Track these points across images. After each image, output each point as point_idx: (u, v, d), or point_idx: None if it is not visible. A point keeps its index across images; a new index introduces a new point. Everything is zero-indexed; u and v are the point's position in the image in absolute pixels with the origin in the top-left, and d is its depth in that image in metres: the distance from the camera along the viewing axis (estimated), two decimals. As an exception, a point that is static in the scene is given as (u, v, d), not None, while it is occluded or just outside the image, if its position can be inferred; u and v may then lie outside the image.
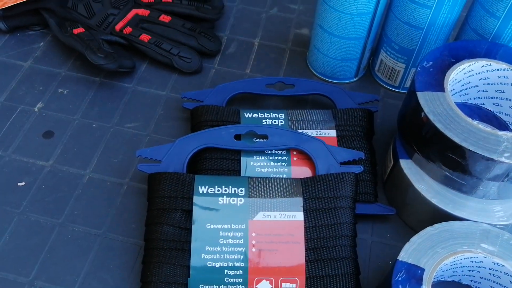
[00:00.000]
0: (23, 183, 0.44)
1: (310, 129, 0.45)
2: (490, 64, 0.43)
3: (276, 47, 0.55)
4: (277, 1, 0.59)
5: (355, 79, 0.53)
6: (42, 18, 0.52)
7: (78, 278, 0.39)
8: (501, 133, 0.38)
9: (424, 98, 0.39)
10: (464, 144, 0.37)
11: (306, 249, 0.39)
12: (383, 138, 0.49)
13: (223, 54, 0.54)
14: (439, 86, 0.40)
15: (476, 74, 0.43)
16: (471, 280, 0.41)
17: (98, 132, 0.47)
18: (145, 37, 0.50)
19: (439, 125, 0.38)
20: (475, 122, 0.38)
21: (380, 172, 0.46)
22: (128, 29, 0.51)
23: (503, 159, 0.36)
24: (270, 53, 0.54)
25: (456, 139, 0.37)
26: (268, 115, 0.45)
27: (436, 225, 0.39)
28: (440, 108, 0.39)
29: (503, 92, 0.44)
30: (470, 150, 0.37)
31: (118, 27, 0.51)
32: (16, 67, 0.51)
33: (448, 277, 0.41)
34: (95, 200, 0.43)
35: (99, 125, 0.48)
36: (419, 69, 0.41)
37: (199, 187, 0.40)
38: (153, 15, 0.52)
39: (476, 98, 0.46)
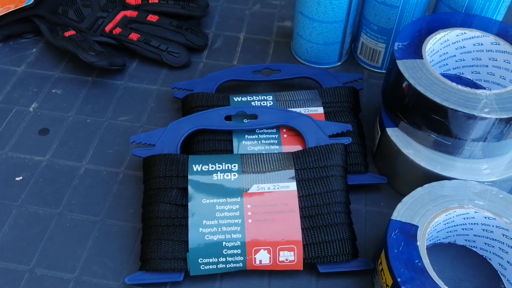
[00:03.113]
0: (21, 178, 0.45)
1: (298, 107, 0.46)
2: (465, 33, 0.44)
3: (261, 39, 0.57)
4: (259, -2, 0.62)
5: (339, 63, 0.54)
6: (34, 26, 0.54)
7: (78, 263, 0.40)
8: (480, 91, 0.39)
9: (404, 65, 0.41)
10: (445, 104, 0.38)
11: (301, 217, 0.39)
12: (369, 116, 0.50)
13: (210, 48, 0.56)
14: (417, 54, 0.42)
15: (452, 43, 0.45)
16: (466, 240, 0.41)
17: (92, 127, 0.49)
18: (134, 36, 0.52)
19: (420, 88, 0.39)
20: (454, 84, 0.40)
21: (369, 146, 0.48)
22: (118, 30, 0.53)
23: (483, 114, 0.38)
24: (255, 45, 0.56)
25: (438, 99, 0.39)
26: (256, 98, 0.47)
27: (426, 186, 0.40)
28: (419, 73, 0.40)
29: (480, 59, 0.46)
30: (452, 109, 0.38)
31: (107, 28, 0.53)
32: (10, 72, 0.53)
33: (443, 238, 0.42)
34: (92, 189, 0.44)
35: (93, 120, 0.49)
36: (398, 40, 0.43)
37: (193, 165, 0.41)
38: (141, 15, 0.54)
39: (455, 68, 0.48)
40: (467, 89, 0.39)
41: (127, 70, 0.53)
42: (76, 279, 0.39)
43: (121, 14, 0.54)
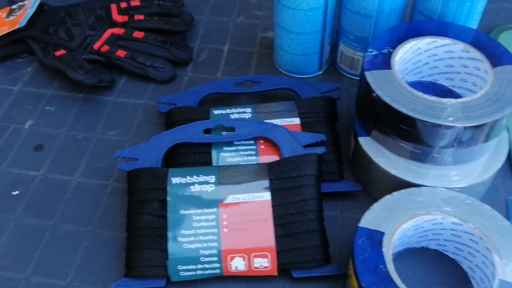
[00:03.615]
0: (17, 192, 0.48)
1: (275, 119, 0.48)
2: (436, 41, 0.46)
3: (245, 51, 0.59)
4: (243, 10, 0.64)
5: (320, 73, 0.56)
6: (28, 46, 0.57)
7: (70, 271, 0.43)
8: (445, 100, 0.41)
9: (372, 76, 0.42)
10: (411, 114, 0.40)
11: (274, 226, 0.41)
12: (349, 123, 0.51)
13: (195, 62, 0.58)
14: (386, 64, 0.43)
15: (424, 51, 0.46)
16: (437, 244, 0.43)
17: (83, 142, 0.51)
18: (121, 53, 0.55)
19: (386, 99, 0.41)
20: (421, 94, 0.41)
21: (346, 154, 0.49)
22: (105, 47, 0.55)
23: (448, 123, 0.39)
24: (239, 57, 0.58)
25: (404, 110, 0.40)
26: (235, 110, 0.49)
27: (395, 193, 0.41)
28: (387, 84, 0.42)
29: (452, 66, 0.47)
30: (418, 119, 0.40)
31: (96, 46, 0.55)
32: (7, 91, 0.56)
33: (416, 243, 0.43)
34: (83, 201, 0.47)
35: (84, 135, 0.52)
36: (367, 51, 0.44)
37: (172, 178, 0.43)
38: (128, 32, 0.57)
39: (430, 75, 0.49)
40: (434, 98, 0.41)
41: (116, 86, 0.56)
42: (68, 285, 0.42)
43: (109, 32, 0.56)
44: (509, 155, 0.48)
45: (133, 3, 0.59)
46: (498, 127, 0.40)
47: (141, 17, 0.58)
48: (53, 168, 0.50)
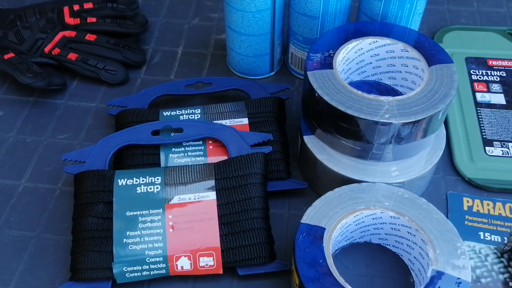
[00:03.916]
0: (-39, 198, 0.47)
1: (224, 119, 0.49)
2: (376, 41, 0.47)
3: (199, 53, 0.59)
4: (198, 12, 0.64)
5: (272, 74, 0.57)
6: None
7: (14, 277, 0.42)
8: (382, 98, 0.42)
9: (314, 76, 0.43)
10: (349, 111, 0.41)
11: (220, 225, 0.42)
12: (298, 123, 0.52)
13: (149, 64, 0.58)
14: (328, 64, 0.44)
15: (367, 51, 0.48)
16: (379, 238, 0.44)
17: (32, 146, 0.51)
18: (72, 56, 0.55)
19: (326, 98, 0.42)
20: (359, 92, 0.42)
21: (295, 153, 0.50)
22: (57, 50, 0.55)
23: (384, 120, 0.40)
24: (192, 58, 0.59)
25: (342, 108, 0.41)
26: (185, 111, 0.49)
27: (336, 189, 0.42)
28: (328, 84, 0.43)
29: (394, 66, 0.48)
30: (356, 116, 0.41)
31: (47, 49, 0.55)
32: (-45, 96, 0.55)
33: (359, 238, 0.44)
34: (29, 206, 0.47)
35: (33, 139, 0.51)
36: (310, 52, 0.45)
37: (119, 180, 0.43)
38: (80, 35, 0.56)
39: (374, 75, 0.50)
40: (371, 96, 0.42)
41: (68, 89, 0.56)
42: (11, 292, 0.42)
43: (60, 35, 0.56)
44: (449, 149, 0.50)
45: (86, 6, 0.59)
46: (435, 123, 0.42)
47: (94, 19, 0.58)
48: None
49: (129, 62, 0.56)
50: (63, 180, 0.48)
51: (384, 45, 0.47)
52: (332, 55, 0.45)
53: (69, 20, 0.58)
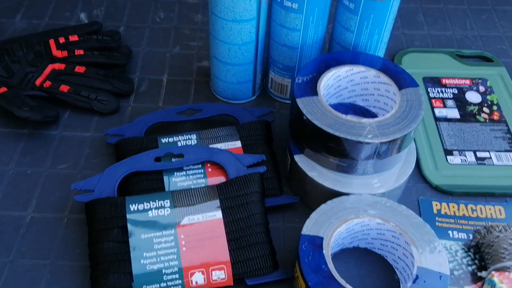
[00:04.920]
0: (-30, 233, 0.49)
1: (219, 143, 0.53)
2: (352, 69, 0.53)
3: (183, 80, 0.63)
4: (178, 41, 0.68)
5: (253, 98, 0.62)
6: (-35, 85, 0.57)
7: (34, 304, 0.45)
8: (364, 120, 0.48)
9: (302, 102, 0.49)
10: (337, 134, 0.47)
11: (228, 241, 0.46)
12: (282, 142, 0.58)
13: (137, 93, 0.61)
14: (313, 91, 0.50)
15: (344, 78, 0.54)
16: (366, 243, 0.50)
17: (33, 177, 0.53)
18: (64, 88, 0.57)
19: (316, 122, 0.47)
20: (344, 116, 0.48)
21: (283, 170, 0.55)
22: (48, 83, 0.57)
23: (368, 140, 0.46)
24: (178, 86, 0.62)
25: (330, 131, 0.47)
26: (182, 137, 0.53)
27: (329, 202, 0.48)
28: (315, 109, 0.48)
29: (367, 89, 0.55)
30: (343, 137, 0.46)
31: (38, 82, 0.57)
32: None
33: (348, 244, 0.50)
34: (39, 235, 0.49)
35: (33, 171, 0.53)
36: (296, 80, 0.51)
37: (130, 205, 0.47)
38: (69, 67, 0.59)
39: (349, 98, 0.56)
40: (354, 119, 0.48)
41: (61, 120, 0.58)
42: (32, 319, 0.44)
43: (50, 68, 0.58)
44: (417, 159, 0.57)
45: (71, 38, 0.61)
46: (408, 139, 0.49)
47: (81, 52, 0.60)
48: (4, 205, 0.51)
49: (119, 92, 0.59)
50: (69, 208, 0.51)
51: (359, 72, 0.53)
52: (315, 82, 0.51)
53: (56, 52, 0.60)
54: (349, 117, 0.48)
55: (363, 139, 0.46)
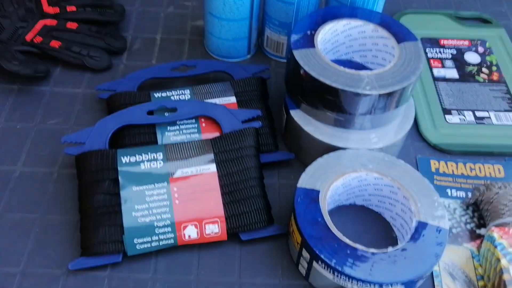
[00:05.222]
0: (-43, 186, 0.47)
1: (213, 98, 0.52)
2: (350, 23, 0.52)
3: (177, 39, 0.62)
4: (173, 0, 0.66)
5: (248, 56, 0.61)
6: (-47, 40, 0.56)
7: (23, 258, 0.43)
8: (362, 72, 0.47)
9: (299, 54, 0.48)
10: (334, 85, 0.45)
11: (222, 194, 0.45)
12: (278, 101, 0.57)
13: (130, 51, 0.60)
14: (311, 43, 0.49)
15: (341, 32, 0.53)
16: (363, 200, 0.49)
17: (23, 132, 0.52)
18: (55, 43, 0.55)
19: (313, 73, 0.46)
20: (342, 68, 0.47)
21: (278, 128, 0.54)
22: (38, 38, 0.56)
23: (366, 92, 0.45)
24: (171, 44, 0.61)
25: (328, 82, 0.46)
26: (175, 92, 0.52)
27: (325, 156, 0.47)
28: (312, 61, 0.47)
29: (365, 45, 0.53)
30: (340, 89, 0.45)
31: (28, 37, 0.55)
32: None
33: (345, 200, 0.49)
34: (29, 190, 0.48)
35: (23, 126, 0.52)
36: (292, 34, 0.49)
37: (122, 158, 0.45)
38: (61, 23, 0.57)
39: (346, 54, 0.55)
40: (352, 71, 0.47)
41: (52, 76, 0.56)
42: (21, 272, 0.43)
43: (41, 23, 0.57)
44: (415, 118, 0.56)
45: (63, -5, 0.60)
46: (406, 94, 0.47)
47: (73, 8, 0.58)
48: (-7, 160, 0.50)
49: (111, 49, 0.58)
50: (59, 163, 0.49)
51: (357, 26, 0.52)
52: (312, 35, 0.49)
53: (47, 9, 0.58)
54: (347, 70, 0.47)
55: (361, 91, 0.45)
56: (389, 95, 0.46)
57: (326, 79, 0.45)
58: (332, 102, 0.47)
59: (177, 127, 0.49)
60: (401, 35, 0.50)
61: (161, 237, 0.43)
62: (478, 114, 0.56)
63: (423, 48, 0.62)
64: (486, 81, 0.59)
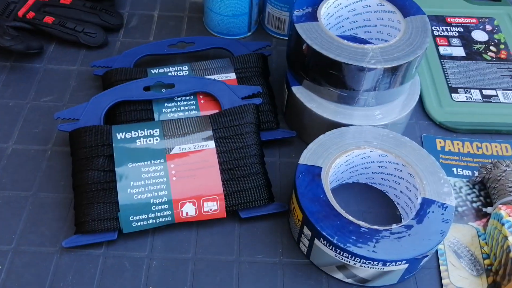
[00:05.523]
0: None
1: (212, 75, 0.50)
2: (354, -4, 0.50)
3: (175, 16, 0.60)
4: (171, -23, 0.65)
5: (249, 33, 0.59)
6: None
7: (15, 235, 0.42)
8: (367, 46, 0.45)
9: (302, 28, 0.46)
10: (338, 59, 0.44)
11: (221, 171, 0.44)
12: (279, 79, 0.55)
13: (126, 27, 0.58)
14: (314, 18, 0.47)
15: (345, 6, 0.51)
16: (366, 178, 0.47)
17: (15, 109, 0.50)
18: (48, 19, 0.54)
19: (316, 47, 0.44)
20: (345, 41, 0.45)
21: (280, 105, 0.52)
22: (31, 14, 0.54)
23: (370, 65, 0.43)
24: (169, 21, 0.59)
25: (332, 55, 0.44)
26: (173, 68, 0.50)
27: (328, 133, 0.45)
28: (315, 34, 0.45)
29: (370, 20, 0.52)
30: (344, 63, 0.44)
31: (20, 13, 0.54)
32: None
33: (348, 179, 0.47)
34: (21, 167, 0.46)
35: (16, 103, 0.50)
36: (294, 8, 0.48)
37: (117, 134, 0.44)
38: (54, -2, 0.56)
39: (350, 29, 0.53)
40: (356, 45, 0.45)
41: (45, 53, 0.55)
42: (14, 249, 0.41)
43: (33, -1, 0.55)
44: (420, 97, 0.54)
45: (56, -30, 0.58)
46: (411, 70, 0.46)
47: (66, -17, 0.57)
48: (-15, 137, 0.48)
49: (107, 25, 0.56)
50: (53, 140, 0.48)
51: (361, 0, 0.50)
52: (315, 9, 0.48)
53: (40, -17, 0.56)
54: (351, 43, 0.45)
55: (365, 65, 0.43)
56: (394, 69, 0.44)
57: (329, 53, 0.44)
58: (336, 78, 0.45)
59: (175, 104, 0.48)
60: (408, 8, 0.48)
61: (158, 214, 0.42)
62: (485, 92, 0.54)
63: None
64: (494, 59, 0.57)
